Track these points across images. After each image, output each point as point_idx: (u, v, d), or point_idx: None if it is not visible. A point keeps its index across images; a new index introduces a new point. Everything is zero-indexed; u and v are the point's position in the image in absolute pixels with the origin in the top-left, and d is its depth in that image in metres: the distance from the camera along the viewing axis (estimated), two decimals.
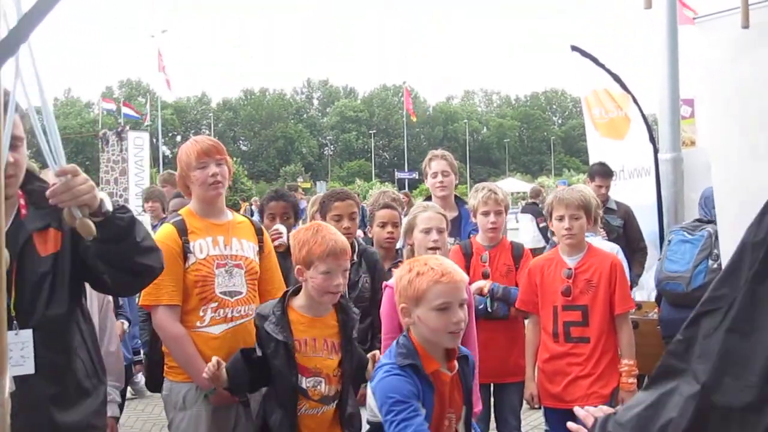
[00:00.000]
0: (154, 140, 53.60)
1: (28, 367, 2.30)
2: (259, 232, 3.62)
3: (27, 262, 2.36)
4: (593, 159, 7.32)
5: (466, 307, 2.57)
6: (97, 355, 2.63)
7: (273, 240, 3.94)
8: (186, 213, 3.48)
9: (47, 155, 1.99)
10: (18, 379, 2.25)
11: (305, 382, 2.98)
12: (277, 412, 2.97)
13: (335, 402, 3.03)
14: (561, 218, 4.04)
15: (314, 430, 3.00)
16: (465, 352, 2.74)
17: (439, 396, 2.53)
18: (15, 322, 2.28)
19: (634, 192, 7.00)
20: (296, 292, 3.13)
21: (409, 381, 2.44)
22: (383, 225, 4.34)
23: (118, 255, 2.32)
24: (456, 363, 2.63)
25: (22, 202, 2.41)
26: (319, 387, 3.00)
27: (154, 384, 3.61)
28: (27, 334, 2.31)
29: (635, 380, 3.92)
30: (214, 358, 3.01)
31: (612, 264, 4.00)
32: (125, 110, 49.51)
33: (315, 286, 3.00)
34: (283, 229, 4.38)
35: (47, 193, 2.12)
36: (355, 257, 4.00)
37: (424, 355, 2.52)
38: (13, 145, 2.22)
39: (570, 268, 4.01)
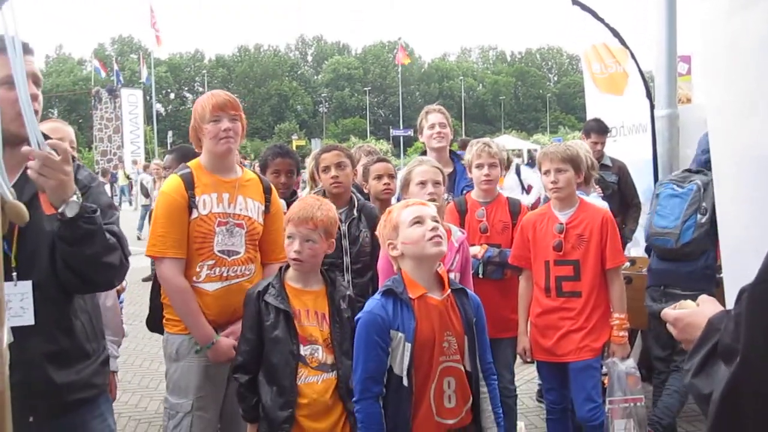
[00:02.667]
0: (148, 98, 53.22)
1: (28, 318, 2.32)
2: (267, 191, 3.60)
3: (32, 219, 2.34)
4: (591, 115, 7.28)
5: (440, 224, 2.82)
6: (97, 320, 2.66)
7: None
8: (195, 166, 3.47)
9: (28, 124, 1.99)
10: (15, 335, 2.28)
11: (303, 350, 3.03)
12: (275, 384, 3.01)
13: (334, 372, 3.06)
14: (547, 172, 4.07)
15: (315, 401, 3.02)
16: (463, 288, 2.92)
17: (428, 319, 2.71)
18: (15, 273, 2.30)
19: (632, 148, 6.99)
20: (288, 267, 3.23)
21: (381, 312, 2.69)
22: (379, 177, 4.39)
23: (68, 257, 2.34)
24: (449, 290, 2.82)
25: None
26: (316, 354, 3.05)
27: (154, 324, 3.69)
28: (26, 285, 2.32)
29: (626, 333, 3.97)
30: None
31: (603, 218, 4.02)
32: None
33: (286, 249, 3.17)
34: None
35: (27, 154, 2.14)
36: (354, 212, 4.05)
37: (409, 283, 2.75)
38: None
39: (561, 223, 4.04)
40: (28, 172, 2.17)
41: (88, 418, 2.58)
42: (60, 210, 2.22)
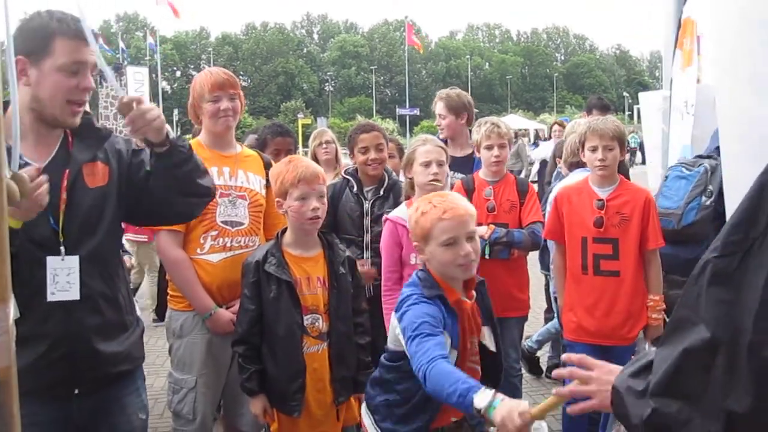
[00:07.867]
0: (153, 76, 53.11)
1: (74, 293, 2.34)
2: (267, 166, 3.60)
3: (77, 192, 2.40)
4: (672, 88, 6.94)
5: (476, 238, 2.61)
6: (131, 292, 2.70)
7: None
8: (195, 144, 3.46)
9: (111, 80, 2.29)
10: (64, 309, 2.32)
11: (304, 320, 3.04)
12: (281, 356, 3.01)
13: (329, 340, 3.08)
14: (594, 149, 3.89)
15: (317, 370, 3.05)
16: (480, 278, 2.76)
17: (462, 323, 2.55)
18: (62, 248, 2.33)
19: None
20: (284, 232, 3.20)
21: (437, 310, 2.46)
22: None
23: (184, 179, 2.51)
24: (474, 291, 2.67)
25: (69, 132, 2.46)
26: (317, 324, 3.06)
27: (163, 313, 3.69)
28: (73, 260, 2.34)
29: (661, 316, 3.84)
30: None
31: (646, 199, 3.89)
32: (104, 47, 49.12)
33: (293, 214, 3.08)
34: None
35: (126, 122, 2.31)
36: (381, 191, 4.07)
37: (445, 287, 2.55)
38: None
39: (602, 199, 3.90)
40: (130, 131, 2.33)
41: (124, 393, 2.59)
42: (169, 137, 2.44)
